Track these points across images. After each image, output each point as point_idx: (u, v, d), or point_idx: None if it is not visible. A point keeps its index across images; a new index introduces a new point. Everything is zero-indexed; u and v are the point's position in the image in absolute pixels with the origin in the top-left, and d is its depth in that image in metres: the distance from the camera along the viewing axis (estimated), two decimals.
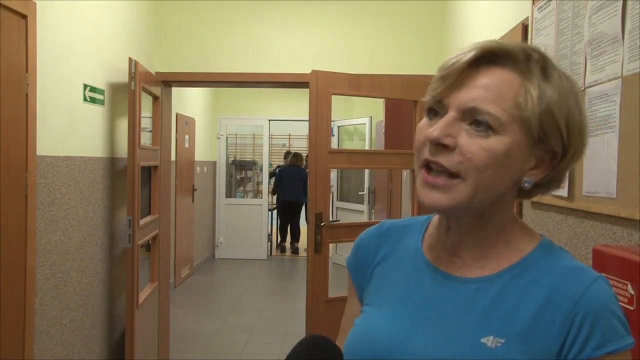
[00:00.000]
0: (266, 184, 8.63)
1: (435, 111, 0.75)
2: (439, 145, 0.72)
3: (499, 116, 0.70)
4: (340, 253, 7.73)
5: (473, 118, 0.71)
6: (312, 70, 3.56)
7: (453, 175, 0.72)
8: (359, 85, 3.66)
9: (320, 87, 3.56)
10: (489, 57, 0.73)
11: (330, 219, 7.49)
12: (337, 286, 4.25)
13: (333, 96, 3.61)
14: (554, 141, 0.74)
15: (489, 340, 0.72)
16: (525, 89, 0.72)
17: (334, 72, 3.62)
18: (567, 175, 0.81)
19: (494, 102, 0.71)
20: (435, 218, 0.86)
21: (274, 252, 8.89)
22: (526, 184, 0.75)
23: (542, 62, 0.74)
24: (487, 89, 0.71)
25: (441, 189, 0.73)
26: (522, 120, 0.71)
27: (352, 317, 0.88)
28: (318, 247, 3.59)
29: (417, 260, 0.84)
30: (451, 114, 0.72)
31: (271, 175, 8.90)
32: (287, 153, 9.24)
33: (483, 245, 0.79)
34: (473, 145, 0.71)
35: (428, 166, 0.74)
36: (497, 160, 0.71)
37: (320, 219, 3.58)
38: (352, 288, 0.94)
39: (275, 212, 9.17)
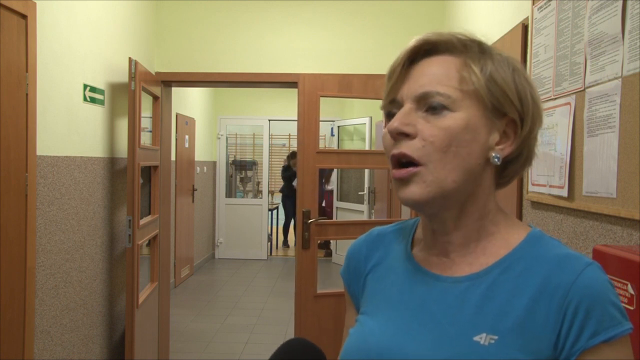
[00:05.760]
0: (266, 184, 8.62)
1: (393, 114, 0.77)
2: (400, 135, 0.74)
3: (450, 94, 0.73)
4: (340, 253, 7.73)
5: (427, 104, 0.74)
6: (300, 73, 3.64)
7: (417, 164, 0.74)
8: (350, 86, 3.72)
9: (308, 90, 3.67)
10: (427, 48, 0.77)
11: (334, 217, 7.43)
12: (339, 285, 4.27)
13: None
14: (509, 108, 0.75)
15: (482, 338, 0.72)
16: (467, 64, 0.75)
17: (322, 74, 3.72)
18: (535, 151, 0.81)
19: (441, 84, 0.74)
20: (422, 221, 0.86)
21: (274, 252, 8.89)
22: (495, 159, 0.76)
23: (478, 45, 0.77)
24: (433, 75, 0.75)
25: (412, 181, 0.74)
26: (472, 93, 0.74)
27: (350, 327, 0.87)
28: (306, 243, 3.73)
29: (407, 264, 0.84)
30: (407, 106, 0.75)
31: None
32: (293, 153, 9.17)
33: (470, 241, 0.79)
34: (432, 128, 0.73)
35: (399, 164, 0.75)
36: (456, 136, 0.73)
37: (308, 217, 3.71)
38: (348, 299, 0.94)
39: (274, 211, 9.17)
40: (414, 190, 0.74)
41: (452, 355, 0.72)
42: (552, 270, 0.72)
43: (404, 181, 0.74)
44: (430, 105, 0.74)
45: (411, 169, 0.74)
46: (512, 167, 0.80)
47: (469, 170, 0.74)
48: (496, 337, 0.71)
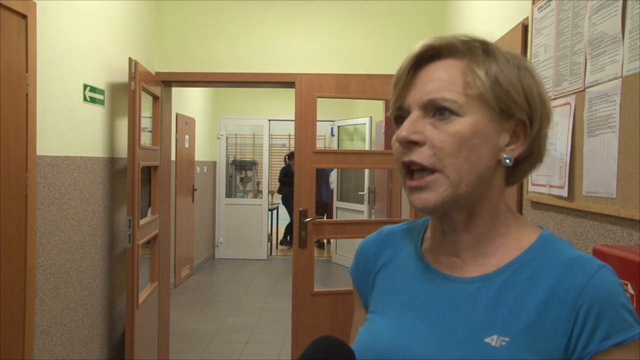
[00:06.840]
0: (266, 184, 8.62)
1: (402, 118, 0.77)
2: (409, 144, 0.74)
3: (456, 99, 0.73)
4: (340, 253, 7.72)
5: (434, 110, 0.74)
6: (298, 73, 3.67)
7: (432, 171, 0.74)
8: (347, 86, 3.75)
9: (305, 90, 3.72)
10: (432, 53, 0.77)
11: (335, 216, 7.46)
12: (338, 285, 4.28)
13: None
14: (516, 109, 0.75)
15: (493, 340, 0.71)
16: (471, 69, 0.75)
17: (320, 74, 3.75)
18: (546, 147, 0.80)
19: (447, 89, 0.74)
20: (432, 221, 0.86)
21: (274, 252, 8.89)
22: (506, 161, 0.76)
23: (483, 46, 0.77)
24: (438, 80, 0.75)
25: (426, 188, 0.74)
26: (477, 97, 0.74)
27: (359, 326, 0.88)
28: (302, 242, 3.79)
29: (418, 263, 0.84)
30: (414, 113, 0.75)
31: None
32: (292, 154, 9.19)
33: (480, 241, 0.79)
34: (440, 134, 0.73)
35: (410, 172, 0.75)
36: (466, 141, 0.73)
37: (304, 216, 3.77)
38: (357, 298, 0.94)
39: (274, 211, 9.16)
40: (429, 198, 0.74)
41: (462, 356, 0.72)
42: (564, 272, 0.72)
43: (420, 188, 0.75)
44: (437, 111, 0.74)
45: (428, 178, 0.74)
46: (522, 167, 0.80)
47: (481, 174, 0.75)
48: (507, 339, 0.71)
